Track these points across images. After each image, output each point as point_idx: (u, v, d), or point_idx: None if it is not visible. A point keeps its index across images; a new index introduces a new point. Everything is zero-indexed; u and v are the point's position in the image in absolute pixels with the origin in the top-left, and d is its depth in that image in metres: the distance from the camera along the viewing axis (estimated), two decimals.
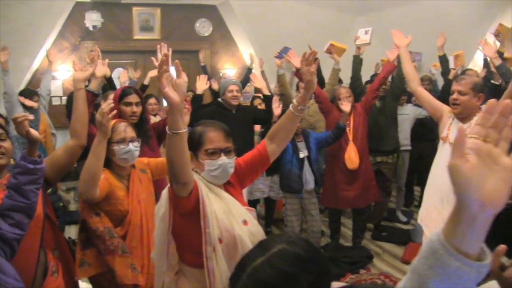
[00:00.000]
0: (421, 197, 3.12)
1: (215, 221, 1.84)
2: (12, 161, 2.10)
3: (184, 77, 1.66)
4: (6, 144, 2.05)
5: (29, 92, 4.96)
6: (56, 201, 4.64)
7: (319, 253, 1.14)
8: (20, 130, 1.91)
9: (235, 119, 4.13)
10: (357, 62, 4.65)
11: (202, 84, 4.07)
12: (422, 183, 6.10)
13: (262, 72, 6.78)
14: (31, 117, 1.98)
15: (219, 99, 4.33)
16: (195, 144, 1.92)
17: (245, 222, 1.91)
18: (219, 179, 1.94)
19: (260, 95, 4.64)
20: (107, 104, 2.10)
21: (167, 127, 1.65)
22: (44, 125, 5.13)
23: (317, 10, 7.05)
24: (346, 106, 3.97)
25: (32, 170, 1.83)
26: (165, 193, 1.94)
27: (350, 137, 4.19)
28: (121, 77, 5.04)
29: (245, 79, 6.04)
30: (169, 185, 1.84)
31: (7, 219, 1.71)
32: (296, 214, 4.17)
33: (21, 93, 4.91)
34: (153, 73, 4.71)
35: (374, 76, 5.14)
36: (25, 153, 1.85)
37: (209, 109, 4.34)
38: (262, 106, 4.52)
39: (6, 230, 1.72)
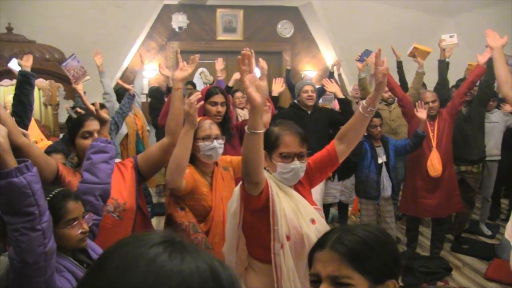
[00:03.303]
0: (509, 210, 2.93)
1: (283, 219, 1.87)
2: None
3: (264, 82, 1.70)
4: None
5: (122, 91, 5.26)
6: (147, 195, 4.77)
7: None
8: (90, 111, 2.13)
9: (310, 120, 4.14)
10: (443, 67, 4.46)
11: (278, 87, 4.14)
12: (511, 195, 5.73)
13: (339, 75, 6.70)
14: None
15: (295, 101, 4.36)
16: (271, 144, 1.95)
17: (312, 221, 1.93)
18: (289, 181, 1.98)
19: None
20: (195, 96, 2.18)
21: (246, 126, 1.70)
22: (141, 121, 5.39)
23: (402, 12, 6.85)
24: (422, 113, 3.86)
25: (104, 148, 1.95)
26: (237, 190, 1.99)
27: (434, 143, 4.04)
28: (218, 65, 4.99)
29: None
30: (241, 182, 1.89)
31: (85, 206, 1.79)
32: (371, 221, 4.09)
33: (117, 91, 5.23)
34: (237, 75, 4.81)
35: (460, 81, 4.90)
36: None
37: (284, 110, 4.38)
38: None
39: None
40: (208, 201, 2.41)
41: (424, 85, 5.04)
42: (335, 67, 6.08)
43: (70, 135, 2.27)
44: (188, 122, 2.18)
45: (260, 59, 2.75)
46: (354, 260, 1.05)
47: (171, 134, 2.34)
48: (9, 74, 4.56)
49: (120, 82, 4.69)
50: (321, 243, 1.12)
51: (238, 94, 5.03)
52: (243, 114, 5.20)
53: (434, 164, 4.01)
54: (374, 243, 1.08)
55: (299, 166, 1.94)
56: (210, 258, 0.62)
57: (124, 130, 4.50)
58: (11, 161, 1.39)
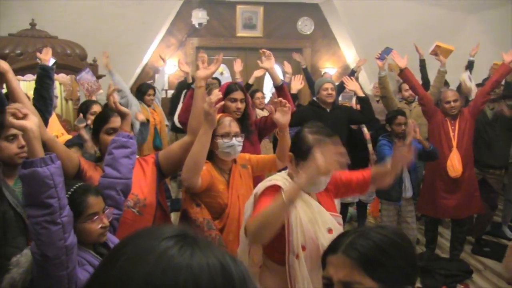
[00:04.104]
0: None
1: (299, 228, 1.83)
2: None
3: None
4: None
5: (146, 86, 5.33)
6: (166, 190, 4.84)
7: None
8: (110, 105, 2.13)
9: (330, 117, 4.11)
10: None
11: (296, 84, 4.09)
12: None
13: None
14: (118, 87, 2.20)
15: (314, 98, 4.33)
16: (301, 153, 1.87)
17: (329, 230, 1.89)
18: (308, 191, 1.94)
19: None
20: (215, 95, 2.16)
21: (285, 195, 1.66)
22: (160, 116, 5.47)
23: (425, 9, 6.73)
24: (416, 134, 3.72)
25: (125, 143, 1.96)
26: (252, 197, 1.97)
27: (454, 143, 3.96)
28: (236, 66, 5.00)
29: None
30: (256, 192, 1.87)
31: (107, 200, 1.81)
32: (392, 221, 4.04)
33: (139, 87, 5.28)
34: (258, 73, 4.77)
35: (485, 80, 4.80)
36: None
37: (303, 108, 4.35)
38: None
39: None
40: (224, 199, 2.40)
41: (446, 83, 4.95)
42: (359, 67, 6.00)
43: (94, 130, 2.29)
44: (207, 121, 2.15)
45: (285, 63, 2.74)
46: (367, 266, 1.02)
47: (193, 133, 2.32)
48: (31, 69, 4.62)
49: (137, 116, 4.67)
50: (334, 247, 1.10)
51: (258, 94, 4.99)
52: (262, 114, 5.18)
53: (454, 164, 3.93)
54: (388, 247, 1.04)
55: (323, 181, 1.89)
56: (222, 254, 0.62)
57: (139, 124, 4.52)
58: (39, 150, 1.43)
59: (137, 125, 4.58)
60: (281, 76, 3.53)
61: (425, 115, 4.24)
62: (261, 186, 1.94)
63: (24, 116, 1.45)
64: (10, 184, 2.09)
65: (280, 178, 1.94)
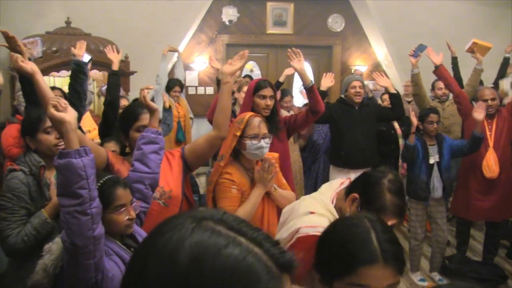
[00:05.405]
0: None
1: None
2: None
3: None
4: None
5: (174, 82, 5.41)
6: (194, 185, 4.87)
7: None
8: (140, 99, 2.19)
9: (358, 115, 4.08)
10: None
11: (327, 82, 3.95)
12: None
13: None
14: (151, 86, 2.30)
15: (342, 96, 4.28)
16: (371, 204, 1.65)
17: None
18: None
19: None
20: (269, 163, 2.26)
21: None
22: (184, 110, 5.56)
23: (460, 4, 6.55)
24: (479, 114, 3.65)
25: (154, 139, 2.00)
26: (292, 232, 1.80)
27: (491, 143, 3.83)
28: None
29: None
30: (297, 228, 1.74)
31: (135, 194, 1.86)
32: (420, 220, 3.95)
33: (169, 83, 5.36)
34: (289, 71, 4.74)
35: None
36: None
37: (332, 105, 4.31)
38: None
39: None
40: (247, 197, 2.38)
41: (481, 82, 4.81)
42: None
43: (123, 127, 2.31)
44: (262, 185, 2.28)
45: None
46: (402, 268, 1.15)
47: (218, 127, 2.33)
48: (66, 65, 4.74)
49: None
50: (370, 257, 1.11)
51: (287, 98, 4.97)
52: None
53: (490, 165, 3.81)
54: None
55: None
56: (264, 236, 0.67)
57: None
58: (75, 142, 1.50)
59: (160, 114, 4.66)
60: (311, 77, 3.50)
61: (461, 114, 4.12)
62: (303, 224, 1.73)
63: (64, 109, 1.52)
64: (51, 176, 2.17)
65: (324, 212, 1.76)
